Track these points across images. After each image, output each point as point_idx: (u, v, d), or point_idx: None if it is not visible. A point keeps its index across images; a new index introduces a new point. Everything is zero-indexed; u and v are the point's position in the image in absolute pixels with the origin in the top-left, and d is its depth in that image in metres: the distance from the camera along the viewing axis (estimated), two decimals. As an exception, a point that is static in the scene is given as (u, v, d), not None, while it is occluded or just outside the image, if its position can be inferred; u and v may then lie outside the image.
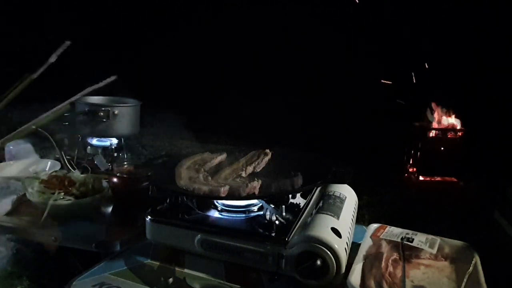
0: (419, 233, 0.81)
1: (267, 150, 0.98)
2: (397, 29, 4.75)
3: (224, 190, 0.80)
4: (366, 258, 0.75)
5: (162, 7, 6.20)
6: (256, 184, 0.82)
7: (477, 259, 0.75)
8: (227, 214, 0.86)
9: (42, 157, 1.37)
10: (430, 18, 4.66)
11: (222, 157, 1.02)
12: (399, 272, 0.73)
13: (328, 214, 0.78)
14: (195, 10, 5.96)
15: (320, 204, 0.83)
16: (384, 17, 4.79)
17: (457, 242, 0.82)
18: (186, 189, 0.81)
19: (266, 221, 0.80)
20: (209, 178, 0.88)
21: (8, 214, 1.02)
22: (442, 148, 3.73)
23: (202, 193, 0.80)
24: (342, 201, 0.86)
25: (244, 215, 0.85)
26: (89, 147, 1.48)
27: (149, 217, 0.83)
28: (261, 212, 0.85)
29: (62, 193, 1.00)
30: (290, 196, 0.85)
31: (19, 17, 5.88)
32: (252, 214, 0.86)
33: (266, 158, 0.97)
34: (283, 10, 5.27)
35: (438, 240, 0.80)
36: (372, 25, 4.79)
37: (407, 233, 0.81)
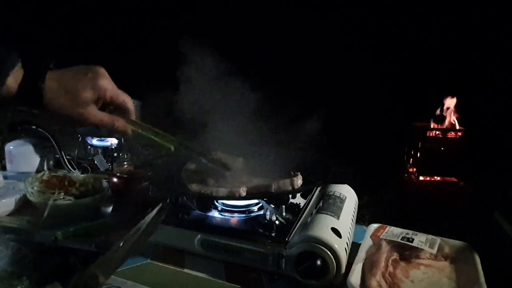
0: (419, 233, 0.81)
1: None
2: (399, 27, 4.75)
3: (243, 190, 0.80)
4: (366, 258, 0.75)
5: (160, 6, 6.20)
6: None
7: (477, 259, 0.75)
8: (227, 214, 0.86)
9: (42, 157, 1.37)
10: (431, 17, 4.66)
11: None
12: (399, 272, 0.73)
13: (328, 214, 0.78)
14: (193, 8, 5.96)
15: (320, 204, 0.83)
16: (386, 15, 4.79)
17: (457, 242, 0.82)
18: (205, 193, 0.81)
19: (266, 221, 0.80)
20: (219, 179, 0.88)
21: (10, 214, 1.02)
22: (442, 148, 3.73)
23: (221, 195, 0.80)
24: (342, 201, 0.86)
25: (244, 215, 0.86)
26: (89, 147, 1.48)
27: (149, 217, 0.83)
28: (261, 212, 0.85)
29: (62, 193, 1.00)
30: (290, 196, 0.85)
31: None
32: (252, 214, 0.86)
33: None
34: (283, 7, 5.27)
35: (438, 240, 0.80)
36: (374, 23, 4.79)
37: (407, 233, 0.81)
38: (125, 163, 1.11)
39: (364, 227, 0.90)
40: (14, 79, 0.58)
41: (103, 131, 1.24)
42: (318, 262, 0.69)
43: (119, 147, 1.49)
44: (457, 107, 3.81)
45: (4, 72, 0.57)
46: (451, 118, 3.81)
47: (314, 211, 0.81)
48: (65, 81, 0.61)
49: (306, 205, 0.87)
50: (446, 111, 3.82)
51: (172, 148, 0.77)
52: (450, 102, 3.82)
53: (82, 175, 1.12)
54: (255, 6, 5.40)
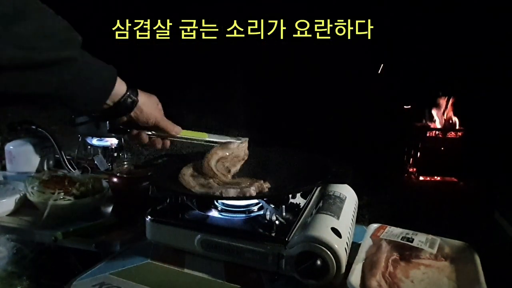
0: (419, 233, 0.81)
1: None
2: (398, 27, 4.74)
3: (252, 190, 0.79)
4: (366, 258, 0.75)
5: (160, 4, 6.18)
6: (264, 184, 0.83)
7: (477, 259, 0.75)
8: (227, 214, 0.86)
9: (42, 157, 1.38)
10: (430, 17, 4.66)
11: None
12: (399, 272, 0.73)
13: (328, 214, 0.78)
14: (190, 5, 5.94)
15: (320, 204, 0.83)
16: (384, 14, 4.79)
17: (457, 242, 0.82)
18: (214, 195, 0.81)
19: (266, 221, 0.80)
20: (219, 180, 0.88)
21: (10, 214, 1.02)
22: (442, 148, 3.74)
23: (231, 195, 0.79)
24: (342, 201, 0.86)
25: (244, 215, 0.85)
26: (89, 147, 1.48)
27: (149, 217, 0.83)
28: (261, 212, 0.85)
29: (62, 193, 1.00)
30: (290, 196, 0.85)
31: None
32: (252, 214, 0.86)
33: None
34: (282, 3, 5.24)
35: (438, 240, 0.80)
36: (373, 21, 4.79)
37: (407, 233, 0.81)
38: (125, 163, 1.11)
39: (364, 227, 0.90)
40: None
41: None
42: (318, 262, 0.69)
43: (119, 147, 1.49)
44: (451, 105, 3.82)
45: (111, 84, 0.68)
46: (443, 117, 3.82)
47: (314, 211, 0.81)
48: (148, 97, 0.76)
49: (306, 205, 0.87)
50: (440, 111, 3.83)
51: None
52: (442, 102, 3.83)
53: (82, 175, 1.13)
54: None
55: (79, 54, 0.61)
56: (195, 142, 0.88)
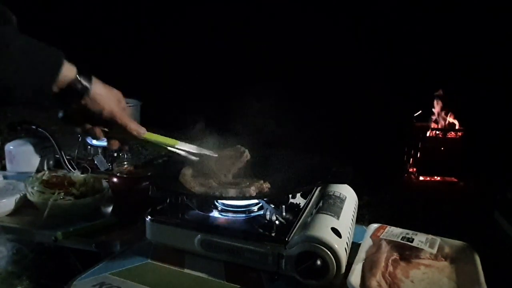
0: (419, 233, 0.81)
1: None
2: (398, 26, 4.75)
3: (252, 190, 0.80)
4: (366, 258, 0.75)
5: (160, 5, 6.19)
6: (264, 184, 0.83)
7: (477, 259, 0.75)
8: (227, 214, 0.86)
9: (42, 157, 1.37)
10: (430, 17, 4.67)
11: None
12: (399, 272, 0.73)
13: (328, 214, 0.78)
14: (192, 8, 5.95)
15: (320, 204, 0.84)
16: (385, 14, 4.79)
17: (457, 242, 0.82)
18: (214, 195, 0.81)
19: (266, 221, 0.80)
20: (219, 180, 0.88)
21: (10, 214, 1.02)
22: (442, 148, 3.73)
23: (231, 195, 0.80)
24: (342, 201, 0.86)
25: (244, 215, 0.86)
26: (89, 147, 1.48)
27: (149, 217, 0.83)
28: (261, 212, 0.85)
29: (62, 193, 1.00)
30: (290, 196, 0.86)
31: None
32: (252, 214, 0.86)
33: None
34: (283, 4, 5.24)
35: (438, 240, 0.80)
36: (372, 22, 4.79)
37: (407, 233, 0.81)
38: (125, 163, 1.11)
39: (364, 227, 0.90)
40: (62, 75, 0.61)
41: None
42: (318, 262, 0.69)
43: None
44: (446, 106, 3.82)
45: (57, 68, 0.60)
46: (441, 117, 3.82)
47: (314, 211, 0.81)
48: (107, 87, 0.70)
49: (306, 205, 0.87)
50: (437, 113, 3.84)
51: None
52: (439, 102, 3.84)
53: (82, 175, 1.13)
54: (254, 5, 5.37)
55: (13, 37, 0.53)
56: (161, 148, 0.81)
